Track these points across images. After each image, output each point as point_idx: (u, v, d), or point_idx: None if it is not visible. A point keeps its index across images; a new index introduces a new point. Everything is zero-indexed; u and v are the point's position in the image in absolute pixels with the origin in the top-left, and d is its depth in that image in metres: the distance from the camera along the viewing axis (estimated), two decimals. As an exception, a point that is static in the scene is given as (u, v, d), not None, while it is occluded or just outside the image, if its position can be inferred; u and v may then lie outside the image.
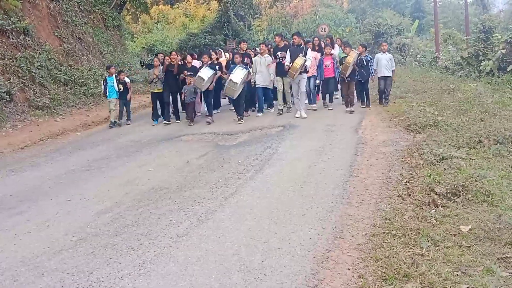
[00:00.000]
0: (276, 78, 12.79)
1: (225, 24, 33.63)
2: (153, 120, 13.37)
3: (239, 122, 11.94)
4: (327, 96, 13.92)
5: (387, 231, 4.69)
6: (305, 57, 11.67)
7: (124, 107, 13.60)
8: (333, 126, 10.62)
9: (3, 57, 13.94)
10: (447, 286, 3.59)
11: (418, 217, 4.99)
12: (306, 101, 13.51)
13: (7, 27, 14.26)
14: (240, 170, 7.44)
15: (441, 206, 5.24)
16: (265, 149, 8.66)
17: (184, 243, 4.78)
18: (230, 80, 11.40)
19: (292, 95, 13.96)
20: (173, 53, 13.30)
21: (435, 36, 25.72)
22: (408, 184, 6.08)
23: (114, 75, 13.23)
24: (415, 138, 8.55)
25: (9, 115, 13.11)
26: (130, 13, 31.97)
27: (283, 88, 12.82)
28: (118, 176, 7.71)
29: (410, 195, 5.69)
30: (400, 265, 3.93)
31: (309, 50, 12.18)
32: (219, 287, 3.80)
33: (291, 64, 11.55)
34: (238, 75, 11.44)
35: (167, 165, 8.18)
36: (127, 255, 4.57)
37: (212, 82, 12.37)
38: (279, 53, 12.51)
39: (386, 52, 13.37)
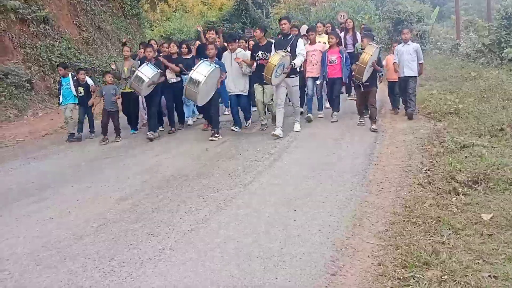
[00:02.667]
0: (254, 86, 9.69)
1: (243, 12, 33.51)
2: (131, 129, 10.77)
3: (212, 138, 9.09)
4: (334, 102, 10.36)
5: (407, 219, 4.65)
6: (289, 52, 8.49)
7: (86, 116, 10.60)
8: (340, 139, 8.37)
9: (24, 46, 14.10)
10: (468, 274, 3.55)
11: (438, 205, 4.94)
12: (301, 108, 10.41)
13: (27, 16, 14.40)
14: (259, 158, 7.45)
15: (462, 194, 5.18)
16: (284, 137, 8.66)
17: (203, 229, 4.81)
18: (190, 78, 8.47)
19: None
20: (152, 41, 11.25)
21: (456, 23, 25.35)
22: (428, 172, 6.03)
23: (70, 75, 10.50)
24: (436, 126, 8.50)
25: (30, 103, 13.29)
26: (149, 1, 31.92)
27: (264, 101, 9.65)
28: (138, 164, 7.78)
29: (430, 183, 5.64)
30: (420, 252, 3.90)
31: (300, 41, 8.96)
32: (238, 274, 3.80)
33: (268, 62, 8.42)
34: (201, 71, 8.49)
35: (185, 153, 8.22)
36: (147, 241, 4.60)
37: (156, 85, 9.58)
38: (260, 53, 9.32)
39: (410, 42, 9.89)
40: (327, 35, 10.68)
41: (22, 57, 13.94)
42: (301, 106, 10.48)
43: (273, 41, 9.85)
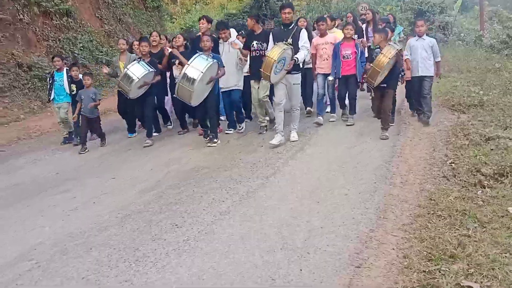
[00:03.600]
0: (250, 83, 8.54)
1: (263, 4, 33.33)
2: (128, 132, 9.65)
3: (209, 144, 8.03)
4: (347, 103, 9.10)
5: (432, 212, 4.61)
6: (291, 44, 7.29)
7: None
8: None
9: (47, 39, 14.26)
10: (494, 268, 3.51)
11: (464, 198, 4.88)
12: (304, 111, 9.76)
13: (50, 9, 14.54)
14: (280, 150, 7.43)
15: (488, 187, 5.11)
16: (305, 129, 8.61)
17: (226, 221, 4.83)
18: (184, 74, 7.43)
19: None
20: (154, 33, 9.71)
21: (480, 13, 24.95)
22: (453, 164, 5.96)
23: (64, 70, 9.26)
24: (460, 118, 8.37)
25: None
26: (169, -6, 31.99)
27: (261, 97, 8.39)
28: (160, 156, 7.84)
29: (455, 175, 5.57)
30: (446, 245, 3.86)
31: (303, 31, 7.68)
32: (262, 265, 3.81)
33: (266, 57, 7.18)
34: (197, 67, 7.42)
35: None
36: (171, 232, 4.64)
37: (148, 86, 8.41)
38: (254, 43, 8.23)
39: (424, 36, 8.45)
40: (340, 31, 9.64)
41: (45, 50, 14.09)
42: (310, 107, 10.03)
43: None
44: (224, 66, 8.10)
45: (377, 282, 3.48)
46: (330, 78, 8.83)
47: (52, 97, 9.28)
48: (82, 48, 15.14)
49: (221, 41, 8.73)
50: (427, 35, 8.82)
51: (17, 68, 12.57)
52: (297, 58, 7.34)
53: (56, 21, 14.79)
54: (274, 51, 7.03)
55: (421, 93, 8.34)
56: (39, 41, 14.17)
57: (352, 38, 8.76)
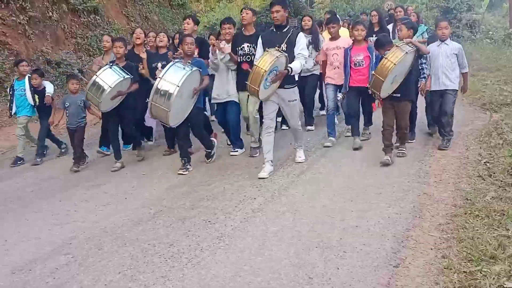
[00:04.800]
0: (239, 93, 7.02)
1: (287, 2, 33.27)
2: (99, 146, 8.07)
3: (180, 172, 6.58)
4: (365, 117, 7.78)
5: (469, 212, 4.52)
6: (284, 51, 5.86)
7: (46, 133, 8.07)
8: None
9: (75, 36, 14.40)
10: (538, 270, 3.43)
11: (501, 198, 4.77)
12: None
13: (78, 7, 14.69)
14: (310, 147, 7.39)
15: (526, 188, 5.02)
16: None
17: (259, 218, 4.81)
18: (156, 90, 6.03)
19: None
20: (137, 30, 8.29)
21: (509, 11, 24.52)
22: (488, 164, 5.85)
23: (26, 78, 7.90)
24: (492, 117, 8.22)
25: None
26: (193, -9, 32.12)
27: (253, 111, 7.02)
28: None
29: (491, 175, 5.46)
30: (485, 246, 3.78)
31: (300, 36, 6.18)
32: (298, 263, 3.78)
33: (254, 66, 5.69)
34: (171, 79, 6.03)
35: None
36: (205, 228, 4.64)
37: (123, 96, 6.96)
38: (245, 45, 6.84)
39: (448, 41, 6.81)
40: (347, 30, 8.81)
41: (73, 47, 14.24)
42: (310, 124, 8.71)
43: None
44: (208, 74, 6.84)
45: (417, 282, 3.42)
46: (339, 96, 7.36)
47: (14, 111, 7.95)
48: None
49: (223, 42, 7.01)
50: (452, 37, 7.90)
51: (46, 65, 12.69)
52: (291, 68, 5.86)
53: (84, 18, 14.93)
54: (265, 59, 5.55)
55: (442, 113, 6.81)
56: (67, 38, 14.32)
57: (364, 40, 7.18)
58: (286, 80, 5.99)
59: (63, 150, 8.32)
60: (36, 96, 7.83)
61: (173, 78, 6.02)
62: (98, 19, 15.45)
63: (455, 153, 6.49)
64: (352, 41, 7.37)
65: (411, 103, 6.55)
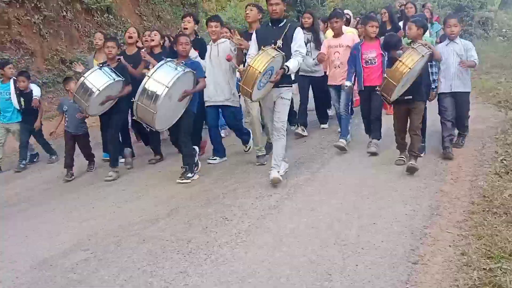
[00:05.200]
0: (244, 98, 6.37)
1: (299, 1, 33.19)
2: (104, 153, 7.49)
3: (180, 180, 6.13)
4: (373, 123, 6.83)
5: (486, 209, 4.49)
6: (280, 48, 5.34)
7: (33, 138, 7.85)
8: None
9: (89, 35, 14.44)
10: (558, 267, 3.41)
11: (520, 196, 4.76)
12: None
13: (92, 6, 14.74)
14: (324, 145, 7.37)
15: (544, 185, 4.98)
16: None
17: (276, 215, 4.83)
18: (143, 90, 5.56)
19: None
20: (130, 29, 7.58)
21: (523, 8, 24.30)
22: (504, 161, 5.79)
23: (11, 80, 7.50)
24: (508, 115, 8.15)
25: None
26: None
27: (260, 116, 6.63)
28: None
29: (508, 172, 5.41)
30: (505, 243, 3.75)
31: (298, 31, 5.60)
32: (317, 259, 3.78)
33: (248, 66, 5.17)
34: (160, 79, 5.56)
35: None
36: (222, 225, 4.66)
37: (114, 101, 6.48)
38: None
39: (457, 40, 6.28)
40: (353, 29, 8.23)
41: (87, 46, 14.29)
42: (324, 123, 8.41)
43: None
44: (205, 76, 6.23)
45: (436, 279, 3.41)
46: (348, 83, 6.54)
47: None
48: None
49: (210, 42, 6.67)
50: (464, 34, 7.71)
51: (60, 64, 12.78)
52: (287, 67, 5.30)
53: (98, 17, 14.98)
54: (260, 59, 5.06)
55: (458, 114, 6.39)
56: (81, 37, 14.38)
57: (376, 37, 6.68)
58: (282, 79, 5.39)
59: (53, 157, 7.91)
60: (22, 100, 7.42)
61: (163, 78, 5.54)
62: (112, 18, 15.49)
63: (471, 150, 6.43)
64: (355, 39, 7.11)
65: (424, 104, 6.00)
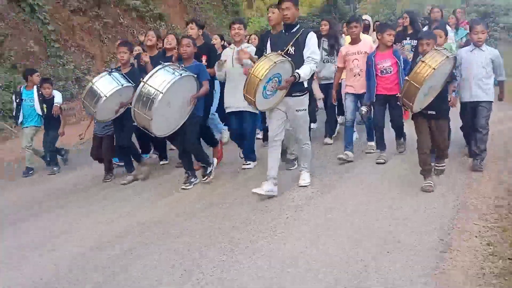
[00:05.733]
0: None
1: (332, 8, 32.92)
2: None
3: (184, 187, 5.73)
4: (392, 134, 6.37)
5: (511, 203, 4.41)
6: (293, 54, 4.84)
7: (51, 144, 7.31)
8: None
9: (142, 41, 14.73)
10: None
11: (543, 191, 4.65)
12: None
13: (146, 14, 15.06)
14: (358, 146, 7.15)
15: None
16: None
17: (310, 210, 4.75)
18: (139, 95, 5.04)
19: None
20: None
21: (546, 15, 23.46)
22: (528, 159, 5.68)
23: (35, 88, 7.18)
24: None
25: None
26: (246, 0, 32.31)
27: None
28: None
29: (531, 169, 5.31)
30: (529, 235, 3.71)
31: (311, 36, 4.97)
32: (353, 250, 3.78)
33: (249, 74, 4.64)
34: (155, 84, 4.99)
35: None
36: (260, 217, 4.63)
37: (125, 108, 5.87)
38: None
39: (484, 47, 5.50)
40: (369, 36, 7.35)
41: (142, 50, 14.57)
42: (330, 136, 7.39)
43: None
44: (208, 79, 5.69)
45: (463, 266, 3.38)
46: (364, 109, 6.02)
47: (20, 120, 7.21)
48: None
49: (231, 45, 6.21)
50: (489, 39, 7.09)
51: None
52: (298, 74, 4.74)
53: (151, 24, 15.27)
54: (261, 66, 4.49)
55: (476, 127, 5.51)
56: (137, 42, 14.66)
57: (391, 45, 5.92)
58: (293, 86, 4.83)
59: (55, 168, 7.35)
60: (44, 106, 7.09)
61: (158, 83, 4.97)
62: (163, 25, 15.75)
63: (496, 148, 6.28)
64: (373, 46, 6.34)
65: (448, 121, 5.29)
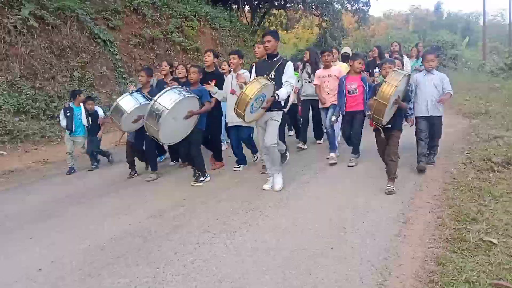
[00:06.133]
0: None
1: (323, 43, 32.67)
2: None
3: (194, 184, 5.22)
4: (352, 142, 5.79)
5: (455, 187, 4.31)
6: (273, 79, 4.50)
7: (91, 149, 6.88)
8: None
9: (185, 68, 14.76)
10: (508, 229, 3.22)
11: (479, 179, 4.52)
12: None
13: (187, 47, 15.03)
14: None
15: (498, 172, 4.70)
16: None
17: (309, 187, 4.75)
18: (150, 110, 4.78)
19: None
20: (163, 63, 6.67)
21: (483, 47, 23.12)
22: (469, 154, 5.54)
23: (82, 104, 6.82)
24: (471, 122, 7.78)
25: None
26: (259, 37, 32.23)
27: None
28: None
29: (471, 162, 5.17)
30: (468, 212, 3.60)
31: (289, 65, 4.59)
32: (337, 217, 3.73)
33: (241, 93, 4.30)
34: (163, 102, 4.71)
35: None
36: (270, 192, 4.61)
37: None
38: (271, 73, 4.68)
39: (434, 71, 5.23)
40: (345, 64, 6.98)
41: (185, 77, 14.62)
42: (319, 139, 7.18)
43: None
44: (210, 101, 5.27)
45: (419, 234, 3.30)
46: (333, 118, 5.69)
47: (73, 130, 6.73)
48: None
49: (232, 72, 5.65)
50: (440, 66, 6.59)
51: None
52: (277, 94, 4.38)
53: (190, 55, 15.25)
54: (252, 87, 4.19)
55: (432, 135, 5.29)
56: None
57: (360, 71, 5.63)
58: (273, 104, 4.47)
59: (95, 164, 6.92)
60: (89, 118, 6.77)
61: (165, 102, 4.70)
62: (199, 55, 15.72)
63: (444, 146, 6.11)
64: (341, 71, 6.03)
65: (400, 132, 4.58)
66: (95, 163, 6.90)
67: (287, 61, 4.62)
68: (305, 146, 6.83)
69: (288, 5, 28.10)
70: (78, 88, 8.17)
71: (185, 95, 4.83)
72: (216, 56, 6.02)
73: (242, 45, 21.01)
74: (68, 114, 6.65)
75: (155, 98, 4.73)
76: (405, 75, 4.23)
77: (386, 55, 7.89)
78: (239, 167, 5.89)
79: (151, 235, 3.62)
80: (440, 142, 5.59)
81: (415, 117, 5.27)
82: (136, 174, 6.06)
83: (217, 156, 6.13)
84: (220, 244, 3.31)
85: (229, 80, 5.61)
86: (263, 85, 4.20)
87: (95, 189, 5.53)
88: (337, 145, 6.06)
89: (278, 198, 4.40)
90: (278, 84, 4.48)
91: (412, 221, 3.58)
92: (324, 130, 6.56)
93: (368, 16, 34.38)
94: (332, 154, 5.84)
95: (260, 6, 26.92)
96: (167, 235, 3.58)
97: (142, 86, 5.85)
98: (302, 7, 28.22)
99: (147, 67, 6.41)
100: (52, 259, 3.28)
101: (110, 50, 11.70)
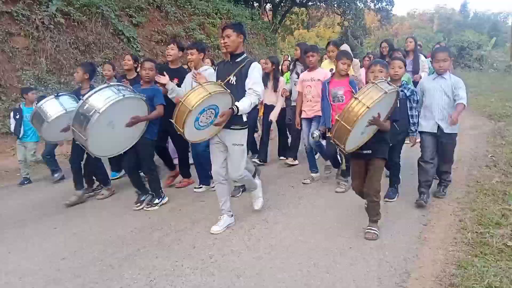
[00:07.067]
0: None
1: (344, 42, 32.33)
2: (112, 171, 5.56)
3: (145, 208, 4.22)
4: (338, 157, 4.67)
5: (479, 191, 4.21)
6: (233, 87, 3.26)
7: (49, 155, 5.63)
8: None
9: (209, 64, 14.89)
10: (533, 235, 3.14)
11: (504, 182, 4.40)
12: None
13: (208, 44, 15.11)
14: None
15: (523, 176, 4.58)
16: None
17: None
18: (76, 114, 3.58)
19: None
20: (126, 57, 5.17)
21: (510, 49, 22.38)
22: (493, 157, 5.40)
23: (34, 104, 5.39)
24: (496, 125, 7.56)
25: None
26: (280, 35, 32.12)
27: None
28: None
29: (495, 165, 5.05)
30: (492, 215, 3.51)
31: (253, 67, 3.29)
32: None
33: (179, 103, 3.04)
34: (95, 103, 3.51)
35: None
36: (288, 191, 4.61)
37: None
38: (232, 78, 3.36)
39: (446, 74, 3.84)
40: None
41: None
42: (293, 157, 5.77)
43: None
44: (163, 104, 4.14)
45: (440, 237, 3.25)
46: (315, 133, 3.93)
47: (21, 134, 5.64)
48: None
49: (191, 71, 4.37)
50: (464, 67, 5.47)
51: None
52: (236, 107, 3.22)
53: (211, 52, 15.31)
54: (193, 95, 3.02)
55: (441, 160, 4.08)
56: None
57: (347, 74, 4.20)
58: (232, 120, 3.30)
59: (55, 175, 5.66)
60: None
61: (98, 102, 3.53)
62: (219, 53, 15.79)
63: (467, 149, 6.02)
64: (328, 74, 4.60)
65: (384, 162, 3.29)
66: (57, 171, 5.64)
67: (252, 62, 3.39)
68: (296, 162, 5.76)
69: (310, 3, 27.87)
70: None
71: (124, 95, 3.66)
72: (181, 48, 4.78)
73: (263, 43, 21.02)
74: (17, 116, 5.60)
75: (84, 97, 3.58)
76: (387, 92, 2.80)
77: (398, 54, 5.86)
78: (200, 187, 4.75)
79: (171, 229, 3.66)
80: (464, 146, 5.31)
81: (419, 132, 4.01)
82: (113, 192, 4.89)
83: (185, 171, 5.02)
84: (238, 240, 3.33)
85: (189, 79, 4.35)
86: (210, 93, 3.01)
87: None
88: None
89: (297, 196, 4.40)
90: (241, 92, 3.32)
91: (433, 223, 3.52)
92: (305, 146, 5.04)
93: (392, 15, 33.79)
94: (312, 175, 4.95)
95: (282, 4, 26.80)
96: (186, 229, 3.62)
97: (80, 85, 4.70)
98: (324, 5, 28.02)
99: (88, 62, 5.54)
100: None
101: (133, 47, 11.90)
